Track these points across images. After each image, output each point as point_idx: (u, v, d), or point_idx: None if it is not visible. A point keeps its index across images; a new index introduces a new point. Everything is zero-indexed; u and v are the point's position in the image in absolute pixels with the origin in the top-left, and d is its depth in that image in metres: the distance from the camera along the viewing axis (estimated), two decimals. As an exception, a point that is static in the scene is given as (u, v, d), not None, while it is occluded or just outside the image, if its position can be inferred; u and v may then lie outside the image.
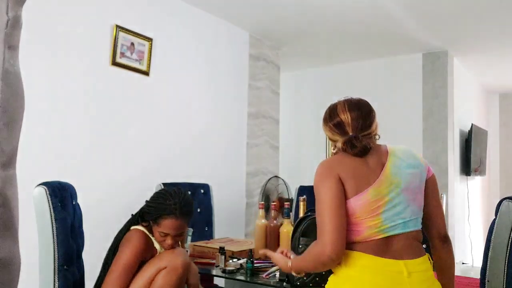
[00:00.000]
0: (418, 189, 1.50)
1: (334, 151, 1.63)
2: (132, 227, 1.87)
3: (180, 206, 1.80)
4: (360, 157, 1.49)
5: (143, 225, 1.87)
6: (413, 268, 1.40)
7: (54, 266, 1.75)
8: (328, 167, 1.50)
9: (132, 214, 1.94)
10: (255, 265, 1.98)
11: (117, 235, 1.89)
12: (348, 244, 1.43)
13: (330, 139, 1.64)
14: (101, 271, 1.87)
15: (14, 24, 0.54)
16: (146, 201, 1.88)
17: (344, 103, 1.61)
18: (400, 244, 1.43)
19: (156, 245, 1.88)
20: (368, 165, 1.48)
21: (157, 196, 1.86)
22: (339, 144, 1.53)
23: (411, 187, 1.48)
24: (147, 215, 1.84)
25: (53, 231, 1.75)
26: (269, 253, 1.66)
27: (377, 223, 1.41)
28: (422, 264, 1.44)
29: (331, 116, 1.61)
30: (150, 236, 1.86)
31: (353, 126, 1.54)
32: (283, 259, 1.59)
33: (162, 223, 1.79)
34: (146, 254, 1.83)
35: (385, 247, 1.42)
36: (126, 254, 1.77)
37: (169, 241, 1.81)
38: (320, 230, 1.42)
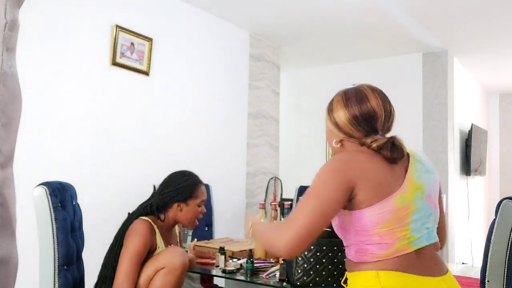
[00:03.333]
0: (436, 195, 1.35)
1: (338, 145, 1.35)
2: (139, 218, 1.89)
3: (199, 178, 2.05)
4: (392, 162, 1.27)
5: (148, 217, 1.90)
6: (451, 284, 1.24)
7: (54, 266, 1.75)
8: (342, 170, 1.24)
9: (128, 213, 1.96)
10: (255, 265, 1.98)
11: (121, 228, 1.91)
12: (373, 263, 1.23)
13: (343, 132, 1.32)
14: (103, 265, 1.88)
15: (12, 27, 0.55)
16: (164, 190, 1.95)
17: (372, 89, 1.33)
18: (429, 258, 1.25)
19: (158, 237, 1.90)
20: (392, 168, 1.26)
21: (177, 179, 1.99)
22: (372, 143, 1.27)
23: (433, 193, 1.32)
24: (177, 199, 1.93)
25: (53, 231, 1.75)
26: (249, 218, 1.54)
27: (406, 234, 1.22)
28: (454, 279, 1.29)
29: (360, 101, 1.30)
30: (155, 227, 1.89)
31: (384, 122, 1.32)
32: (250, 219, 1.48)
33: (197, 194, 1.96)
34: (150, 244, 1.86)
35: (417, 262, 1.22)
36: (134, 244, 1.79)
37: (203, 209, 2.00)
38: (290, 221, 1.22)
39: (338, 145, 1.36)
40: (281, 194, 4.50)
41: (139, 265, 1.79)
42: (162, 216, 1.93)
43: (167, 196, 1.93)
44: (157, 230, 1.89)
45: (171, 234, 2.04)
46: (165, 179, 2.02)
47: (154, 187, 2.02)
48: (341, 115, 1.32)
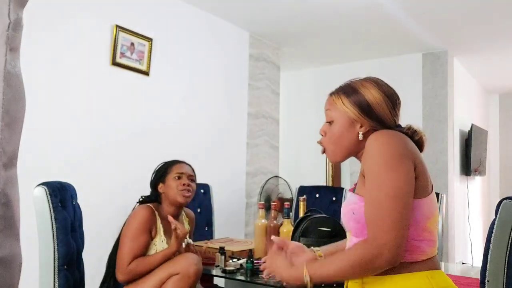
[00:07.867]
0: None
1: (361, 137, 1.16)
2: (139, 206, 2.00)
3: (177, 159, 2.11)
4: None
5: (150, 203, 1.99)
6: None
7: (54, 266, 1.75)
8: (405, 143, 1.08)
9: (141, 196, 2.09)
10: (255, 265, 1.98)
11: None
12: (422, 262, 1.09)
13: (373, 116, 1.16)
14: (110, 257, 1.96)
15: (16, 26, 0.55)
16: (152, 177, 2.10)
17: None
18: None
19: (158, 221, 1.94)
20: None
21: (158, 165, 2.13)
22: (408, 130, 1.18)
23: None
24: (156, 182, 2.04)
25: (53, 231, 1.76)
26: (268, 262, 1.27)
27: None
28: None
29: (395, 94, 1.22)
30: (156, 213, 1.96)
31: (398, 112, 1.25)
32: (290, 268, 1.18)
33: (171, 169, 2.03)
34: (151, 225, 1.92)
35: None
36: (132, 225, 1.88)
37: (184, 180, 2.00)
38: (376, 224, 1.03)
39: (361, 138, 1.16)
40: (279, 194, 4.50)
41: (140, 243, 1.86)
42: (160, 203, 2.03)
43: (151, 183, 2.07)
44: (157, 214, 1.96)
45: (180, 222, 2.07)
46: None
47: None
48: (374, 92, 1.17)
